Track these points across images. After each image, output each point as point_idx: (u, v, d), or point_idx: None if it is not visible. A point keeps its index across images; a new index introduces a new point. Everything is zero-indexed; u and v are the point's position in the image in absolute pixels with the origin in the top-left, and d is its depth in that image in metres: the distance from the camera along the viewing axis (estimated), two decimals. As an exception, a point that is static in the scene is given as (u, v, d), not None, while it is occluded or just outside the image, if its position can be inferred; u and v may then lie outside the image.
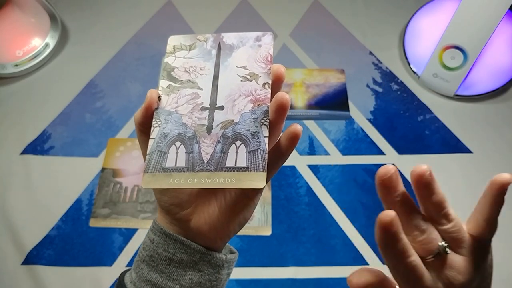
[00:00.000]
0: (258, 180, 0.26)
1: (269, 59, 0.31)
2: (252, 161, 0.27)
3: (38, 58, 0.80)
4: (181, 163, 0.28)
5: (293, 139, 0.29)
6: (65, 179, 0.68)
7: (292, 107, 0.75)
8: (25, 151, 0.71)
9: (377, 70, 0.81)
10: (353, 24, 0.87)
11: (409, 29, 0.81)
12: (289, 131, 0.29)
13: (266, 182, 0.27)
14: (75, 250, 0.62)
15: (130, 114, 0.75)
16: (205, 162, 0.28)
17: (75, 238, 0.62)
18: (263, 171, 0.27)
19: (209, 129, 0.29)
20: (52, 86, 0.79)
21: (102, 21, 0.88)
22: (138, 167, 0.69)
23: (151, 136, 0.29)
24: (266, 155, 0.27)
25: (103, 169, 0.69)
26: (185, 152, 0.28)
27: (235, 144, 0.28)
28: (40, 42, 0.80)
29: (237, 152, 0.28)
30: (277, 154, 0.29)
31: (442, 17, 0.74)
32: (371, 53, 0.83)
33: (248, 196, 0.31)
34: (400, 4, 0.89)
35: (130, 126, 0.74)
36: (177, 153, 0.28)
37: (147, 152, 0.29)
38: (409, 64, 0.79)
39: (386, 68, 0.81)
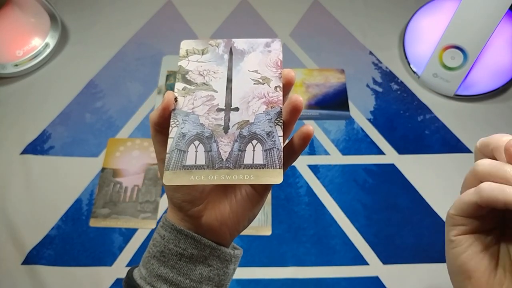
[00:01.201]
0: (275, 176, 0.28)
1: (279, 64, 0.33)
2: (269, 158, 0.29)
3: (38, 58, 0.80)
4: (201, 161, 0.29)
5: (305, 139, 0.30)
6: (65, 179, 0.68)
7: (292, 107, 0.75)
8: (25, 151, 0.71)
9: (377, 70, 0.81)
10: (353, 24, 0.87)
11: (409, 29, 0.81)
12: (302, 132, 0.30)
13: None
14: (75, 250, 0.62)
15: (130, 114, 0.75)
16: (224, 160, 0.29)
17: (75, 238, 0.63)
18: (279, 168, 0.28)
19: (226, 129, 0.31)
20: (52, 86, 0.79)
21: (102, 21, 0.88)
22: (138, 167, 0.69)
23: (169, 136, 0.30)
24: (282, 153, 0.29)
25: (103, 169, 0.69)
26: (204, 151, 0.30)
27: (251, 143, 0.30)
28: (40, 42, 0.80)
29: (254, 150, 0.29)
30: (289, 152, 0.31)
31: (442, 17, 0.74)
32: (371, 53, 0.83)
33: (258, 193, 0.33)
34: (400, 4, 0.89)
35: (130, 126, 0.74)
36: (196, 151, 0.30)
37: (167, 151, 0.30)
38: (409, 64, 0.79)
39: (386, 68, 0.81)
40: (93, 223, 0.64)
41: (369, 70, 0.81)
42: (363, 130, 0.73)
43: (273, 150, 0.29)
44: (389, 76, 0.80)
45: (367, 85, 0.79)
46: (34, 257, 0.61)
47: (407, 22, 0.82)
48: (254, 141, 0.30)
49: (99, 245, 0.62)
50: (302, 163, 0.69)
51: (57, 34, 0.82)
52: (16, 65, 0.78)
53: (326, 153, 0.71)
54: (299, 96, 0.29)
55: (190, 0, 0.91)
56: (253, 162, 0.29)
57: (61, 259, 0.61)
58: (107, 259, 0.61)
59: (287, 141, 0.32)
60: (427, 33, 0.78)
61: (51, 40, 0.81)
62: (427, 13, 0.79)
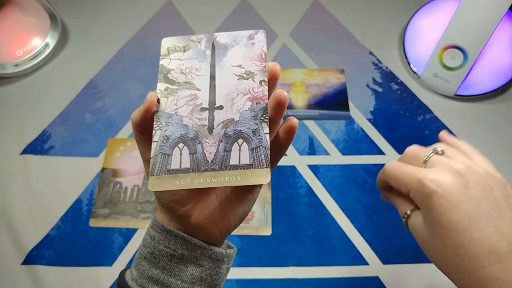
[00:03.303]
0: (262, 176, 0.27)
1: (263, 56, 0.31)
2: (255, 158, 0.28)
3: (38, 58, 0.80)
4: (186, 164, 0.28)
5: (290, 133, 0.30)
6: (65, 179, 0.68)
7: (292, 107, 0.75)
8: (25, 151, 0.71)
9: (377, 70, 0.81)
10: (353, 24, 0.87)
11: (409, 29, 0.81)
12: (286, 125, 0.30)
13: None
14: (75, 250, 0.62)
15: (130, 114, 0.75)
16: (209, 161, 0.28)
17: (75, 238, 0.63)
18: (266, 167, 0.27)
19: (211, 129, 0.30)
20: (52, 86, 0.79)
21: (102, 21, 0.88)
22: (138, 167, 0.69)
23: (153, 140, 0.30)
24: (269, 151, 0.28)
25: (103, 169, 0.69)
26: (189, 153, 0.29)
27: (237, 142, 0.29)
28: (40, 42, 0.80)
29: (240, 150, 0.28)
30: (276, 148, 0.30)
31: (442, 17, 0.74)
32: (371, 53, 0.83)
33: (248, 190, 0.32)
34: (400, 4, 0.89)
35: (130, 126, 0.74)
36: (180, 154, 0.29)
37: (151, 155, 0.29)
38: (409, 64, 0.79)
39: (386, 68, 0.81)
40: (93, 223, 0.64)
41: (369, 70, 0.81)
42: (363, 130, 0.73)
43: (259, 149, 0.28)
44: (389, 76, 0.80)
45: (367, 85, 0.79)
46: (34, 257, 0.61)
47: (407, 22, 0.82)
48: (240, 140, 0.29)
49: (99, 245, 0.62)
50: (302, 163, 0.69)
51: (57, 34, 0.82)
52: (16, 65, 0.78)
53: (326, 153, 0.70)
54: (283, 91, 0.28)
55: (190, 0, 0.91)
56: (239, 163, 0.28)
57: (61, 259, 0.61)
58: (107, 259, 0.61)
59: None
60: (427, 33, 0.78)
61: (51, 40, 0.81)
62: (427, 13, 0.79)
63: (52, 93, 0.78)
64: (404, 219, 0.34)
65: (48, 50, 0.81)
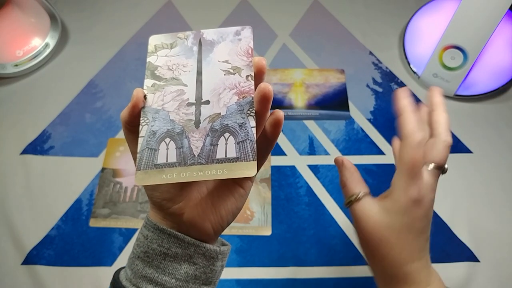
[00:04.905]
0: (249, 169, 0.27)
1: (250, 52, 0.32)
2: (242, 151, 0.28)
3: (38, 58, 0.80)
4: (172, 158, 0.29)
5: (277, 126, 0.30)
6: (65, 179, 0.68)
7: (292, 107, 0.75)
8: (25, 151, 0.71)
9: (377, 70, 0.81)
10: (353, 24, 0.87)
11: (409, 29, 0.81)
12: (272, 118, 0.30)
13: (257, 170, 0.28)
14: (75, 250, 0.62)
15: (130, 114, 0.75)
16: (196, 155, 0.28)
17: (75, 238, 0.63)
18: (253, 160, 0.27)
19: (197, 123, 0.30)
20: (52, 86, 0.79)
21: (102, 21, 0.88)
22: (138, 167, 0.69)
23: (140, 135, 0.30)
24: (255, 144, 0.28)
25: (103, 169, 0.69)
26: (175, 148, 0.29)
27: (223, 136, 0.29)
28: (40, 42, 0.80)
29: (226, 143, 0.29)
30: (264, 142, 0.30)
31: (442, 17, 0.74)
32: (371, 53, 0.83)
33: (240, 185, 0.32)
34: (400, 4, 0.89)
35: (130, 126, 0.74)
36: (167, 149, 0.29)
37: (138, 150, 0.29)
38: (409, 64, 0.79)
39: (386, 68, 0.81)
40: (93, 223, 0.64)
41: (369, 70, 0.81)
42: (363, 130, 0.73)
43: (246, 142, 0.28)
44: (389, 76, 0.80)
45: (367, 85, 0.79)
46: (34, 257, 0.61)
47: (407, 22, 0.82)
48: (227, 134, 0.29)
49: (99, 245, 0.62)
50: (302, 163, 0.69)
51: (57, 34, 0.82)
52: (16, 65, 0.78)
53: (326, 153, 0.70)
54: (268, 84, 0.28)
55: (190, 0, 0.91)
56: (225, 156, 0.28)
57: (61, 259, 0.61)
58: (107, 259, 0.61)
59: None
60: (427, 33, 0.78)
61: (51, 40, 0.81)
62: (427, 13, 0.79)
63: (52, 93, 0.78)
64: (352, 198, 0.38)
65: (48, 50, 0.81)
